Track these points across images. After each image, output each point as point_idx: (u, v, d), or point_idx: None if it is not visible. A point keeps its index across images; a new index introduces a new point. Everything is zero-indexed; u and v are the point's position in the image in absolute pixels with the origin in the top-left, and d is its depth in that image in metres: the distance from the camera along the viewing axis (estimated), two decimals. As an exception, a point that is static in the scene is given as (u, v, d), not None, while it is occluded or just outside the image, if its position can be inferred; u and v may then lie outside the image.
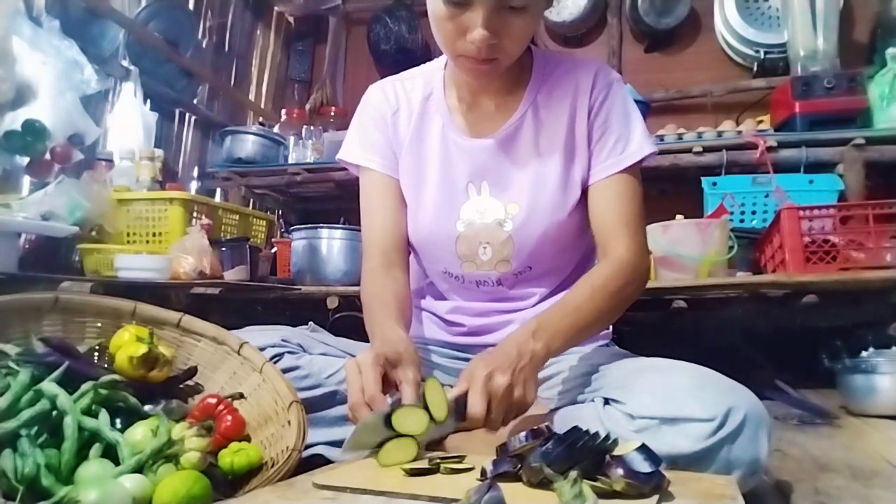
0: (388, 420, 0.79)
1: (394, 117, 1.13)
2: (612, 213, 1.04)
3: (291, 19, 3.71)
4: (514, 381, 0.82)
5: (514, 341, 0.87)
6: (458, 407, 0.82)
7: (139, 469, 0.75)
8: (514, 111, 1.08)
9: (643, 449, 0.67)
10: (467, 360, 1.15)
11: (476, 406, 0.80)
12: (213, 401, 0.90)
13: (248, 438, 0.90)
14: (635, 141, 1.05)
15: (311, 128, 2.95)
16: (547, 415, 0.99)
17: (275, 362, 0.98)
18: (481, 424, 0.82)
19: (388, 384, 0.86)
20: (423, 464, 0.75)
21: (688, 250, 1.88)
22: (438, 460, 0.75)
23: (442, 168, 1.10)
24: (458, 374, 1.13)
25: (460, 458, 0.77)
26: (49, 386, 0.79)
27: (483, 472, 0.69)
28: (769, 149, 2.32)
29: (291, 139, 2.92)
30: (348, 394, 0.84)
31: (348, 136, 1.18)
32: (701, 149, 2.41)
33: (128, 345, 0.91)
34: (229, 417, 0.88)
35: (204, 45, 3.03)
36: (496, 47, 0.92)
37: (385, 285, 1.07)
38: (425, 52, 3.28)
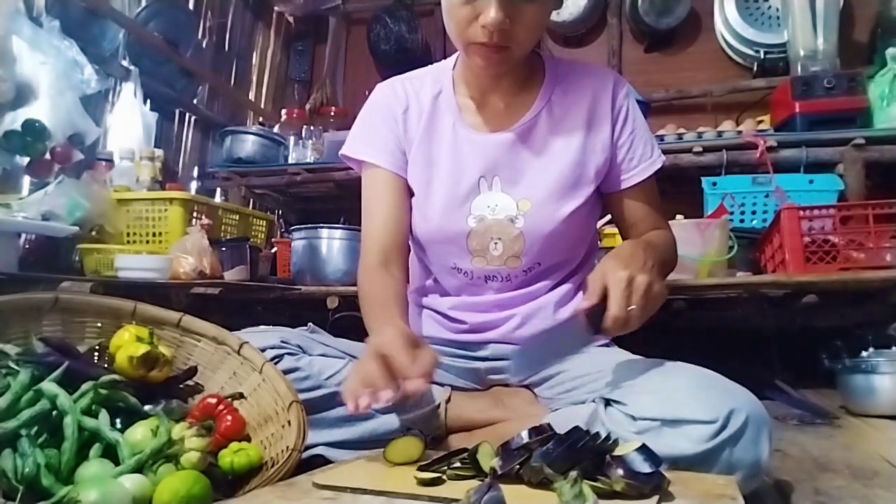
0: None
1: (404, 115, 1.14)
2: (648, 213, 1.13)
3: (291, 19, 3.71)
4: (653, 278, 0.86)
5: (634, 248, 0.92)
6: (592, 317, 0.84)
7: (139, 469, 0.75)
8: (528, 109, 1.10)
9: (643, 449, 0.67)
10: (468, 357, 1.15)
11: (620, 307, 0.82)
12: (213, 401, 0.90)
13: (248, 438, 0.90)
14: (656, 147, 1.13)
15: (311, 128, 2.95)
16: (547, 414, 0.99)
17: (274, 364, 0.98)
18: (622, 325, 0.84)
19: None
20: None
21: (688, 250, 1.87)
22: (447, 468, 0.74)
23: (453, 163, 1.10)
24: (455, 372, 1.14)
25: (464, 452, 0.77)
26: (49, 386, 0.79)
27: (493, 471, 0.69)
28: (769, 149, 2.31)
29: (291, 139, 2.91)
30: (353, 373, 0.82)
31: (352, 133, 1.18)
32: (701, 149, 2.41)
33: (128, 345, 0.91)
34: (229, 417, 0.88)
35: (204, 45, 3.03)
36: (508, 34, 0.94)
37: (384, 283, 1.07)
38: (425, 52, 3.29)
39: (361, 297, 1.09)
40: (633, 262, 0.87)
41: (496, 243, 1.08)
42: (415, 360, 0.82)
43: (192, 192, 2.79)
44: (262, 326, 1.14)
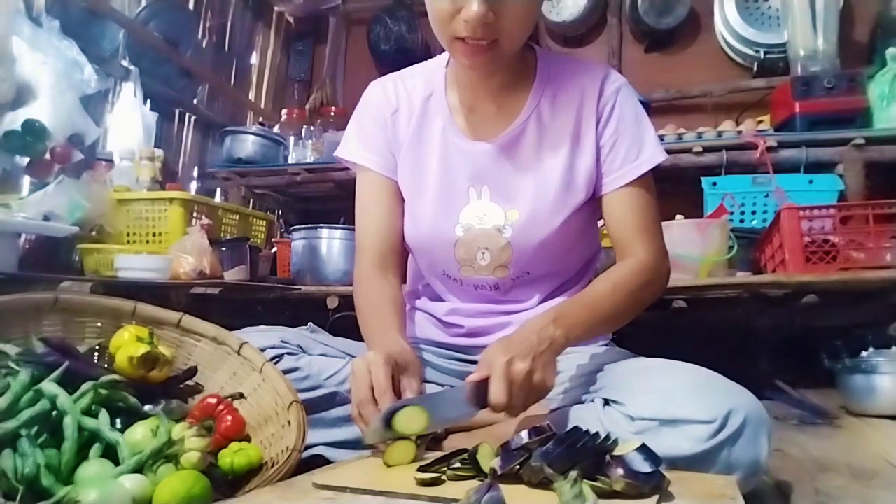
0: (388, 422, 0.79)
1: (394, 116, 1.11)
2: (629, 221, 1.03)
3: (291, 19, 3.71)
4: (534, 367, 0.81)
5: (534, 328, 0.87)
6: (479, 393, 0.82)
7: (139, 469, 0.75)
8: (517, 115, 1.06)
9: (643, 449, 0.67)
10: (464, 360, 1.15)
11: (498, 393, 0.79)
12: (213, 401, 0.90)
13: (248, 438, 0.90)
14: (648, 147, 1.04)
15: (311, 128, 2.95)
16: (547, 414, 0.99)
17: (274, 364, 0.98)
18: (502, 410, 0.81)
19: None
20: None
21: (688, 250, 1.87)
22: (447, 468, 0.74)
23: (442, 170, 1.08)
24: (453, 375, 1.14)
25: (463, 453, 0.77)
26: (49, 386, 0.79)
27: (493, 471, 0.69)
28: (769, 149, 2.32)
29: (291, 139, 2.92)
30: (354, 390, 0.84)
31: (346, 133, 1.16)
32: (701, 149, 2.41)
33: (128, 345, 0.91)
34: (229, 417, 0.88)
35: (204, 45, 3.03)
36: (493, 28, 0.89)
37: (381, 290, 1.06)
38: (425, 52, 3.28)
39: (358, 307, 1.07)
40: (521, 347, 0.83)
41: (483, 253, 1.06)
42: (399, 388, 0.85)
43: (192, 192, 2.79)
44: (262, 326, 1.13)
